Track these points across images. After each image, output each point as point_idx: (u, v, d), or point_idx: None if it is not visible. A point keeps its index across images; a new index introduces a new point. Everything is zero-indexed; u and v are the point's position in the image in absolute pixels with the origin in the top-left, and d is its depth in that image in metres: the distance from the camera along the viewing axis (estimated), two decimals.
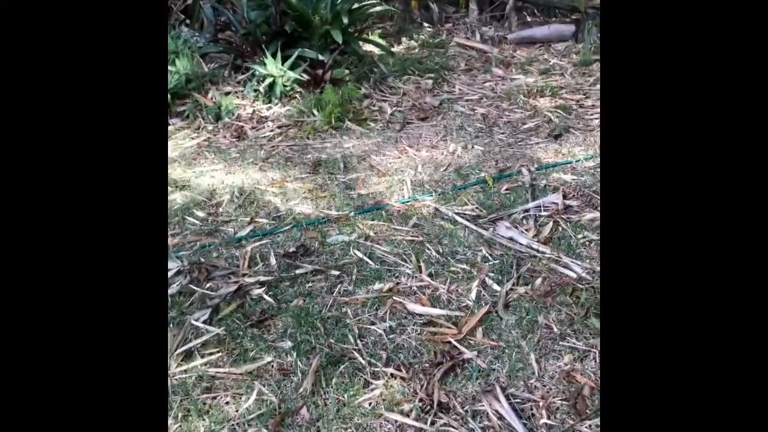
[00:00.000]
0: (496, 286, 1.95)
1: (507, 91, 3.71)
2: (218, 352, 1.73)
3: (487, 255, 2.11)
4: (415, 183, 2.65)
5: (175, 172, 2.86)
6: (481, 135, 3.14)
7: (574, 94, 3.62)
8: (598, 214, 2.28)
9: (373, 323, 1.82)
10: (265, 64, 3.57)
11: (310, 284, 2.00)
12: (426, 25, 4.88)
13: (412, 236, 2.24)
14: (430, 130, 3.24)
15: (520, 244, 2.16)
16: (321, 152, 3.03)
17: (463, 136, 3.13)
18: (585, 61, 4.11)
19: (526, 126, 3.21)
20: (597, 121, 3.20)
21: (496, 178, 2.63)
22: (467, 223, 2.29)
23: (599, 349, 1.65)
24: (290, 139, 3.21)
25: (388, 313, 1.86)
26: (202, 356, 1.71)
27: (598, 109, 3.35)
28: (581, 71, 4.03)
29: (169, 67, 3.64)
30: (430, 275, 2.02)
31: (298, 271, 2.06)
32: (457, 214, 2.36)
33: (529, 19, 5.01)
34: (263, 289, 1.96)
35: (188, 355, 1.72)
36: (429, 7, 4.99)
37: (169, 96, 3.51)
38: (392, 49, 4.34)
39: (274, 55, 3.59)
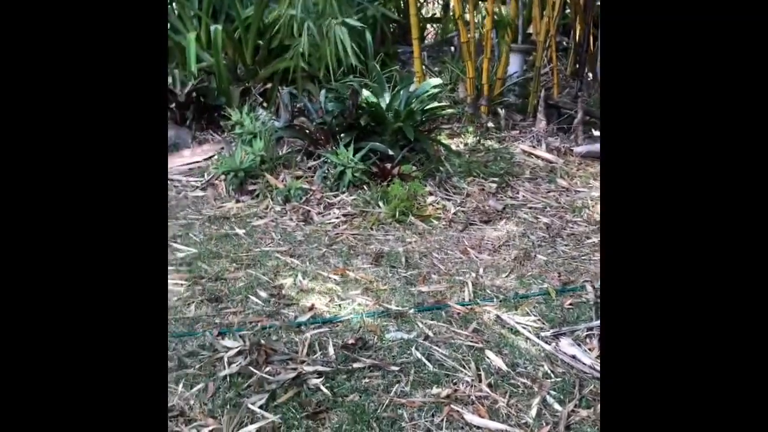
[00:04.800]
0: (557, 406, 1.89)
1: (571, 203, 3.73)
2: None
3: (549, 371, 2.05)
4: (477, 286, 2.64)
5: (241, 248, 2.94)
6: (543, 244, 3.13)
7: None
8: None
9: (429, 430, 1.77)
10: (337, 154, 3.70)
11: (367, 380, 1.98)
12: (493, 128, 5.00)
13: (471, 341, 2.21)
14: (492, 233, 3.26)
15: (583, 363, 2.09)
16: (384, 244, 3.07)
17: (525, 244, 3.13)
18: None
19: (590, 240, 3.19)
20: None
21: (559, 291, 2.60)
22: (529, 335, 2.25)
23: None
24: (354, 228, 3.27)
25: (444, 420, 1.81)
26: None
27: None
28: None
29: (246, 147, 3.83)
30: (489, 385, 1.97)
31: (355, 365, 2.04)
32: (519, 323, 2.33)
33: (596, 133, 5.08)
34: (321, 379, 1.94)
35: None
36: (497, 113, 5.13)
37: (243, 174, 3.67)
38: (459, 151, 4.45)
39: (346, 146, 3.72)
